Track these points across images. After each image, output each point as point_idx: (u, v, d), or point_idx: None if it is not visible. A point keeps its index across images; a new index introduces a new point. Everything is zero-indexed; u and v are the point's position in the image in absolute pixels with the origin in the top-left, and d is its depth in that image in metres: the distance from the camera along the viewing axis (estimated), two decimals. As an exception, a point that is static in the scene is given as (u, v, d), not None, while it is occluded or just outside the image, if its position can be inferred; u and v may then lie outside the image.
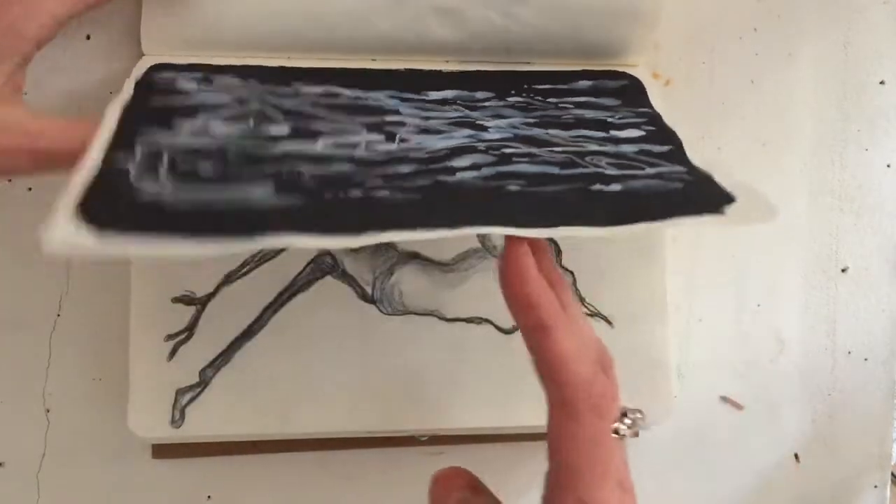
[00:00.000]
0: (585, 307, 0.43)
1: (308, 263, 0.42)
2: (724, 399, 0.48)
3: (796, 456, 0.48)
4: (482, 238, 0.43)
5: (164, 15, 0.39)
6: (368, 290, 0.42)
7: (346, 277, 0.42)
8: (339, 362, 0.41)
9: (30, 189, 0.42)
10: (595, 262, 0.43)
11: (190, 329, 0.41)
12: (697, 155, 0.38)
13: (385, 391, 0.41)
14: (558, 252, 0.43)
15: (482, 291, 0.42)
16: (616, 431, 0.29)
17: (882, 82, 0.49)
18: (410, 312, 0.42)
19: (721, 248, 0.48)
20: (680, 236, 0.47)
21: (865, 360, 0.49)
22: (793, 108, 0.48)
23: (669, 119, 0.41)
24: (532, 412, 0.41)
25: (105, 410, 0.43)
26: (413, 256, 0.43)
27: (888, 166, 0.49)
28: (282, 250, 0.42)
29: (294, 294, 0.41)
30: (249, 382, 0.41)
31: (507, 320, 0.42)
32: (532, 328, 0.29)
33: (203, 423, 0.40)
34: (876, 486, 0.48)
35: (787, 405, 0.48)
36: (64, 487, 0.44)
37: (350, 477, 0.47)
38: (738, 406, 0.48)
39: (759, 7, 0.48)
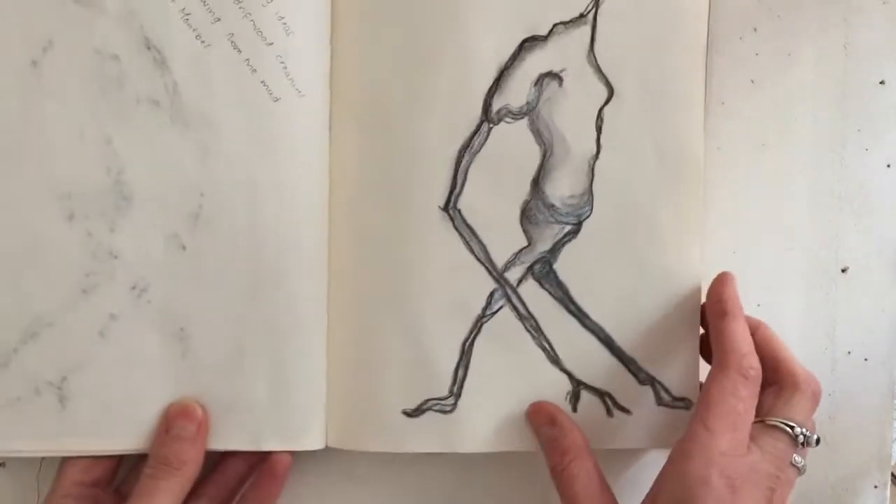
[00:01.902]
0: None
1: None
2: (724, 399, 0.48)
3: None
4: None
5: None
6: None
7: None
8: None
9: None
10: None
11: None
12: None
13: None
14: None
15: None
16: (796, 437, 0.39)
17: (882, 82, 0.48)
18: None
19: (721, 247, 0.47)
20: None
21: (865, 360, 0.48)
22: (793, 108, 0.48)
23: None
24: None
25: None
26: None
27: (888, 166, 0.48)
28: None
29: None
30: None
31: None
32: (716, 314, 0.41)
33: None
34: (876, 487, 0.48)
35: (787, 405, 0.48)
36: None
37: (351, 476, 0.47)
38: (738, 406, 0.48)
39: (759, 7, 0.48)
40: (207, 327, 0.41)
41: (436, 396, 0.43)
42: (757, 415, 0.40)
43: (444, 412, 0.43)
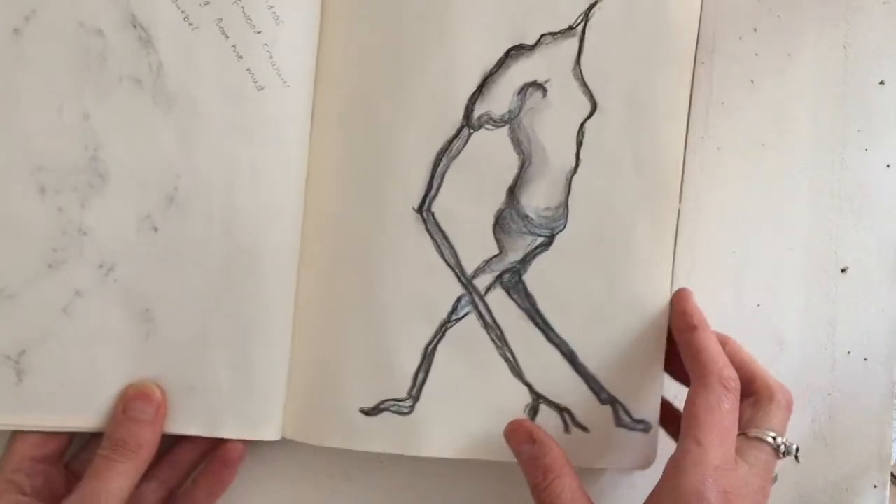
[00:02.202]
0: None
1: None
2: (724, 399, 0.48)
3: (796, 456, 0.48)
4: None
5: None
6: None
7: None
8: None
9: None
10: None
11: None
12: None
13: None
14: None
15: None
16: (777, 448, 0.39)
17: (882, 82, 0.48)
18: None
19: (720, 247, 0.47)
20: (678, 236, 0.47)
21: (865, 360, 0.48)
22: (793, 108, 0.48)
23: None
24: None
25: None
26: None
27: (888, 166, 0.48)
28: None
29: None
30: None
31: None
32: (684, 328, 0.41)
33: None
34: (876, 486, 0.48)
35: (786, 405, 0.48)
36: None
37: (350, 478, 0.47)
38: (737, 406, 0.47)
39: (759, 7, 0.48)
40: (173, 310, 0.41)
41: (394, 397, 0.43)
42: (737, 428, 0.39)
43: (402, 414, 0.42)
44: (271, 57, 0.41)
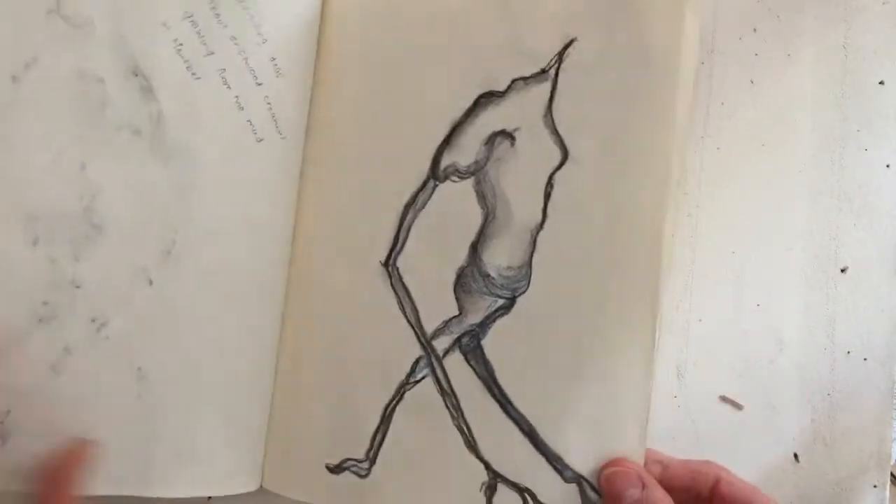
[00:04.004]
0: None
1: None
2: (724, 399, 0.48)
3: (796, 456, 0.47)
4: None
5: None
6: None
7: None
8: None
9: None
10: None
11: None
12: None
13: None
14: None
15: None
16: None
17: (882, 82, 0.48)
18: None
19: (720, 247, 0.47)
20: (678, 235, 0.48)
21: (865, 359, 0.48)
22: (792, 108, 0.48)
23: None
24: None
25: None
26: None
27: (888, 166, 0.48)
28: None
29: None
30: None
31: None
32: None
33: None
34: (875, 486, 0.47)
35: (786, 405, 0.47)
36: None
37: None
38: (737, 406, 0.47)
39: (759, 7, 0.48)
40: (166, 368, 0.39)
41: (354, 457, 0.41)
42: None
43: (360, 476, 0.41)
44: (271, 108, 0.41)
